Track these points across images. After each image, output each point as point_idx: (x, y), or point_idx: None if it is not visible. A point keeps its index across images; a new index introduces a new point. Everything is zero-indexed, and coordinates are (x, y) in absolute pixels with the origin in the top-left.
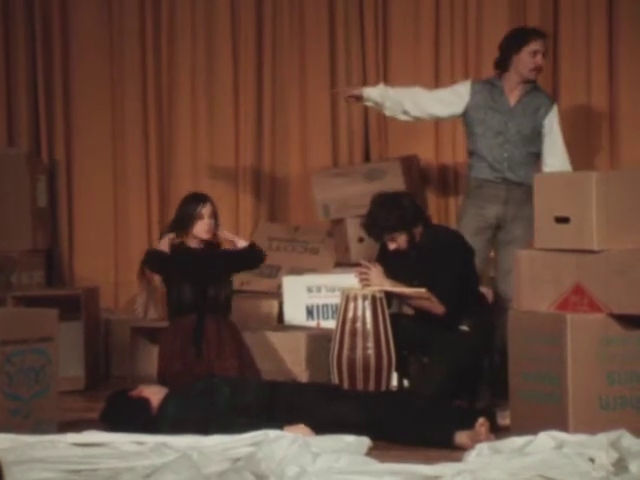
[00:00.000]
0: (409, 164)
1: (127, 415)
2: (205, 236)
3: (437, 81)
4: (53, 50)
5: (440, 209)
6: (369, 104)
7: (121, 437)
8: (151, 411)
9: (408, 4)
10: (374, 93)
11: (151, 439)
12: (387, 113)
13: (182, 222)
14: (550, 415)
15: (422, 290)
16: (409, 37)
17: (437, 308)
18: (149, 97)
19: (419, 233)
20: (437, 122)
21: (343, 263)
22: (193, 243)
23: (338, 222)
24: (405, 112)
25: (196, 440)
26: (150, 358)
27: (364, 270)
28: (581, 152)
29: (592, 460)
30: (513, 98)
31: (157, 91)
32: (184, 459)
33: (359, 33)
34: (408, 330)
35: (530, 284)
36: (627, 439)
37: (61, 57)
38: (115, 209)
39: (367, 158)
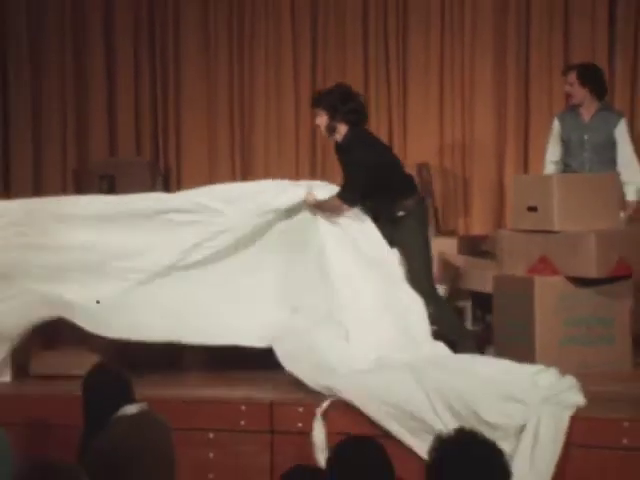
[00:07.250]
0: (420, 171)
1: None
2: None
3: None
4: (168, 79)
5: (449, 212)
6: None
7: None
8: None
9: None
10: None
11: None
12: None
13: None
14: (522, 351)
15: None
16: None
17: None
18: (235, 117)
19: (343, 129)
20: (442, 131)
21: None
22: None
23: None
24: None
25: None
26: None
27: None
28: None
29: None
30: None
31: (240, 111)
32: None
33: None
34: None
35: (509, 256)
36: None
37: (174, 85)
38: None
39: None
